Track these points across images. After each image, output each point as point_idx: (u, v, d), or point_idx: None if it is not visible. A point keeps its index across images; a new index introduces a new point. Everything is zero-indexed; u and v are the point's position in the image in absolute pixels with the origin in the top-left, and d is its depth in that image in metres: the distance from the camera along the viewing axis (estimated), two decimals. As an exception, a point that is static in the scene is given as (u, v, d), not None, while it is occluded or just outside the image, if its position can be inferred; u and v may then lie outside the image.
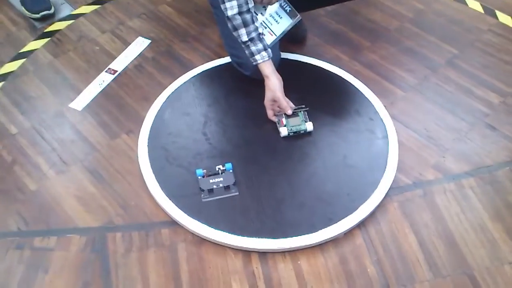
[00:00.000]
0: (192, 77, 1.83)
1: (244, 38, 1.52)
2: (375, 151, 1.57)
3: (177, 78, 1.82)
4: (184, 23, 2.11)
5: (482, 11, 2.17)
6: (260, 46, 1.54)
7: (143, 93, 1.79)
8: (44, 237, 1.39)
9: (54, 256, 1.35)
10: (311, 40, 2.02)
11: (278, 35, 1.69)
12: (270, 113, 1.64)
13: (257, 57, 1.55)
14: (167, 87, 1.78)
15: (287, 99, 1.61)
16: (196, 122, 1.66)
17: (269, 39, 1.67)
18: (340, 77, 1.83)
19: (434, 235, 1.39)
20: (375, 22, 2.12)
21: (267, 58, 1.56)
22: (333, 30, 2.08)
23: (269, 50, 1.56)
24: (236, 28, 1.51)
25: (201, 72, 1.84)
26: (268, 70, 1.57)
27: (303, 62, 1.89)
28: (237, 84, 1.77)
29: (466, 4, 2.20)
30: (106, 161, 1.58)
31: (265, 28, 1.68)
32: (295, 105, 1.63)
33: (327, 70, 1.85)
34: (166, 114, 1.69)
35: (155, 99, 1.73)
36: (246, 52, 1.56)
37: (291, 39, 1.98)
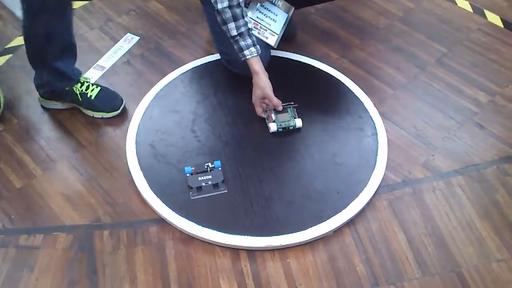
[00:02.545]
0: (181, 74, 1.81)
1: (233, 32, 1.51)
2: (365, 149, 1.57)
3: (166, 75, 1.81)
4: (173, 19, 2.09)
5: (471, 11, 2.17)
6: (249, 41, 1.53)
7: (131, 90, 1.78)
8: (29, 235, 1.37)
9: (40, 255, 1.33)
10: (301, 38, 2.02)
11: (279, 33, 1.71)
12: (259, 110, 1.63)
13: (246, 52, 1.54)
14: (155, 84, 1.77)
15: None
16: (185, 119, 1.65)
17: (272, 40, 1.70)
18: (330, 75, 1.83)
19: (423, 233, 1.39)
20: (365, 20, 2.12)
21: (256, 54, 1.55)
22: (322, 28, 2.08)
23: (258, 46, 1.55)
24: (225, 22, 1.50)
25: (190, 69, 1.83)
26: (257, 67, 1.56)
27: (292, 59, 1.88)
28: (227, 81, 1.76)
29: (455, 3, 2.21)
30: (93, 158, 1.56)
31: (266, 30, 1.70)
32: (283, 102, 1.62)
33: (317, 68, 1.85)
34: (154, 111, 1.67)
35: (144, 96, 1.72)
36: (235, 47, 1.55)
37: (281, 37, 1.97)
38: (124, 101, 1.69)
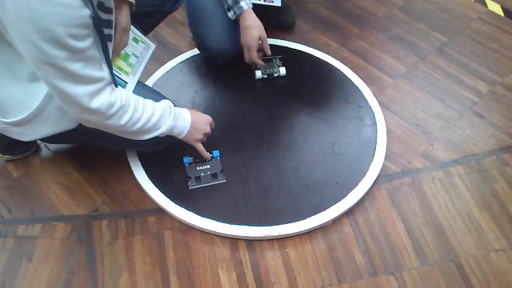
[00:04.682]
0: (179, 63, 1.80)
1: None
2: (364, 138, 1.57)
3: (164, 64, 1.80)
4: (171, 8, 2.07)
5: (472, -1, 2.17)
6: None
7: (130, 79, 1.76)
8: (28, 225, 1.37)
9: (39, 244, 1.33)
10: (300, 26, 2.00)
11: None
12: (254, 55, 1.66)
13: (242, 3, 1.58)
14: (153, 73, 1.75)
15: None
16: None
17: (277, 0, 1.74)
18: (329, 64, 1.82)
19: (422, 223, 1.39)
20: (364, 9, 2.11)
21: (251, 6, 1.60)
22: (322, 16, 2.06)
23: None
24: None
25: (188, 58, 1.82)
26: (253, 14, 1.61)
27: (291, 48, 1.87)
28: (225, 71, 1.75)
29: (456, -8, 2.20)
30: (91, 148, 1.55)
31: None
32: (281, 93, 1.62)
33: (316, 57, 1.84)
34: (152, 100, 1.66)
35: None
36: (229, 2, 1.58)
37: (280, 26, 1.96)
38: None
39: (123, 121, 1.13)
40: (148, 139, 1.24)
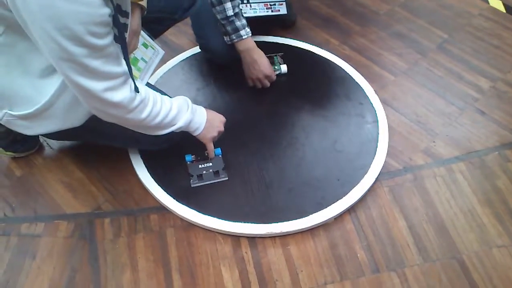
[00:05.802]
0: (181, 61, 1.80)
1: (230, 12, 1.51)
2: (365, 135, 1.57)
3: (166, 62, 1.80)
4: (172, 6, 2.07)
5: (473, -5, 2.16)
6: (244, 21, 1.55)
7: (131, 78, 1.76)
8: (31, 223, 1.37)
9: (42, 242, 1.33)
10: (301, 24, 2.00)
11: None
12: (260, 85, 1.68)
13: (242, 32, 1.55)
14: (155, 71, 1.75)
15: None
16: (185, 106, 1.64)
17: (283, 8, 1.77)
18: (330, 61, 1.82)
19: (423, 220, 1.39)
20: (365, 6, 2.10)
21: (250, 34, 1.57)
22: (323, 14, 2.06)
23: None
24: (221, 2, 1.50)
25: (189, 56, 1.82)
26: (253, 44, 1.59)
27: (292, 46, 1.87)
28: (226, 69, 1.75)
29: (457, -12, 2.19)
30: (94, 146, 1.56)
31: (274, 4, 1.77)
32: (283, 88, 1.61)
33: (317, 54, 1.84)
34: (154, 98, 1.66)
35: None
36: (228, 28, 1.54)
37: (281, 23, 1.96)
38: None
39: (144, 115, 1.15)
40: (162, 134, 1.25)
